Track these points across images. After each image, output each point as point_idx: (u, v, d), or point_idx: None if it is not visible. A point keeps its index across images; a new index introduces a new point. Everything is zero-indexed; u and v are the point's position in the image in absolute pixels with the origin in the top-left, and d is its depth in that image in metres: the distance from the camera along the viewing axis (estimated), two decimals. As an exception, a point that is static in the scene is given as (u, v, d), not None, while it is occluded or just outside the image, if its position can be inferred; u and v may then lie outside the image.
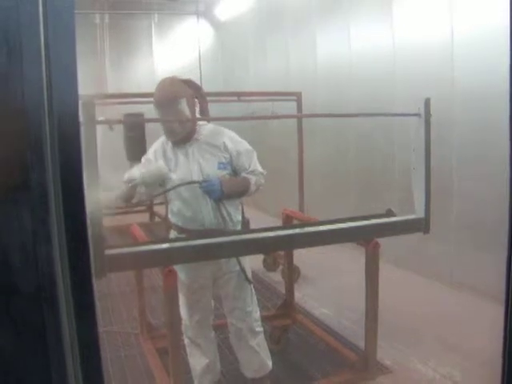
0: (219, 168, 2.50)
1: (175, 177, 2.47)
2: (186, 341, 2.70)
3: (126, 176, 2.38)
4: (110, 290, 4.49)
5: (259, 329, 2.74)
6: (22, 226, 0.54)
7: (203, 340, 2.69)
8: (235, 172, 2.57)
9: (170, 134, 2.50)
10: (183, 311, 2.59)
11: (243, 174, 2.56)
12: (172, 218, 2.61)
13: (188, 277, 2.53)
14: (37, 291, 0.56)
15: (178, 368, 2.30)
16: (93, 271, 0.62)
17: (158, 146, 2.58)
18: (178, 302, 2.38)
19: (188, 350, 2.72)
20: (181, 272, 2.26)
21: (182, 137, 2.49)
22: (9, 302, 0.55)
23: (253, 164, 2.59)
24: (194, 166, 2.48)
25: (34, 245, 0.55)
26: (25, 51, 0.53)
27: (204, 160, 2.49)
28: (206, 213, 2.48)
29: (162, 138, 2.58)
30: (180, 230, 2.55)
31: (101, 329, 3.70)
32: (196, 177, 2.46)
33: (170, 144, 2.54)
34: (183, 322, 2.62)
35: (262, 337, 2.77)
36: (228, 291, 2.66)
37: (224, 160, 2.51)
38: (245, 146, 2.60)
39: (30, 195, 0.55)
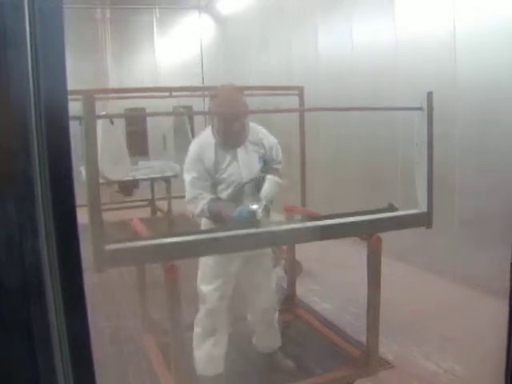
0: (259, 162, 2.69)
1: (225, 176, 2.58)
2: (197, 329, 2.74)
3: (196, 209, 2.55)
4: (112, 285, 4.48)
5: (276, 305, 2.97)
6: (7, 217, 0.53)
7: (218, 319, 2.72)
8: (264, 163, 2.73)
9: (236, 142, 2.61)
10: (204, 282, 2.67)
11: (274, 165, 2.76)
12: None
13: None
14: (23, 286, 0.54)
15: (180, 364, 2.29)
16: (83, 265, 0.61)
17: (200, 151, 2.59)
18: (180, 298, 2.37)
19: (196, 340, 2.75)
20: None
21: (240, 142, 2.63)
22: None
23: (280, 155, 2.81)
24: (242, 165, 2.62)
25: (21, 238, 0.54)
26: (9, 37, 0.52)
27: (249, 158, 2.65)
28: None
29: (199, 143, 2.62)
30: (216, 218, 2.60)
31: (102, 324, 3.69)
32: (244, 174, 2.60)
33: (214, 146, 2.59)
34: (201, 295, 2.69)
35: (277, 312, 2.99)
36: (257, 269, 2.79)
37: (261, 154, 2.70)
38: (273, 139, 2.79)
39: (15, 186, 0.54)
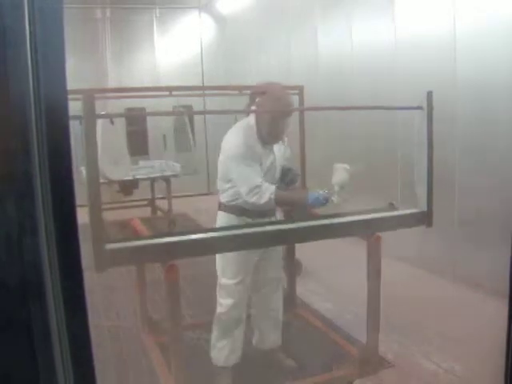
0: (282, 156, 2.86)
1: (264, 168, 2.68)
2: (220, 323, 2.77)
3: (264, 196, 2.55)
4: (112, 284, 4.49)
5: (282, 302, 3.09)
6: (7, 217, 0.53)
7: (243, 311, 2.79)
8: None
9: (279, 138, 2.74)
10: (228, 276, 2.71)
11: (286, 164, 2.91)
12: (234, 202, 2.70)
13: None
14: (23, 285, 0.54)
15: (179, 363, 2.29)
16: (83, 264, 0.61)
17: (246, 143, 2.62)
18: (179, 297, 2.38)
19: (218, 333, 2.80)
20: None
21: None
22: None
23: (289, 151, 2.96)
24: (277, 158, 2.77)
25: (21, 237, 0.54)
26: (9, 37, 0.52)
27: (280, 152, 2.81)
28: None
29: (243, 137, 2.63)
30: (242, 211, 2.67)
31: (102, 323, 3.70)
32: (278, 167, 2.77)
33: (256, 141, 2.66)
34: (225, 289, 2.72)
35: (281, 309, 3.08)
36: (269, 264, 2.89)
37: (283, 149, 2.85)
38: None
39: (15, 186, 0.54)
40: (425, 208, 2.51)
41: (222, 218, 2.75)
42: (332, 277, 4.69)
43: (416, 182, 2.56)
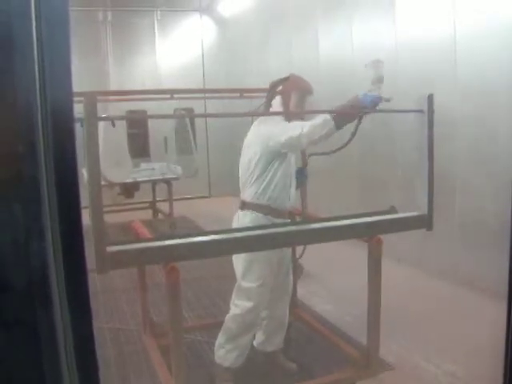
0: None
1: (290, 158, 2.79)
2: (234, 324, 2.75)
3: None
4: (113, 287, 4.49)
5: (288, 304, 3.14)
6: (14, 220, 0.53)
7: (260, 313, 2.80)
8: None
9: (301, 116, 2.86)
10: (249, 279, 2.68)
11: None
12: (261, 200, 2.69)
13: None
14: (29, 288, 0.55)
15: (180, 365, 2.30)
16: (88, 267, 0.61)
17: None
18: (180, 299, 2.38)
19: (229, 334, 2.78)
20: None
21: None
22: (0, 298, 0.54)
23: None
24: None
25: (27, 240, 0.54)
26: (16, 41, 0.52)
27: None
28: (292, 194, 2.80)
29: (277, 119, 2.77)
30: (269, 210, 2.69)
31: (103, 325, 3.70)
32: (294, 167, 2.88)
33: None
34: (245, 292, 2.70)
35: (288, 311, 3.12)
36: (284, 267, 2.93)
37: None
38: None
39: (21, 189, 0.54)
40: (425, 211, 2.51)
41: (245, 218, 2.71)
42: (333, 279, 4.69)
43: (416, 185, 2.56)
